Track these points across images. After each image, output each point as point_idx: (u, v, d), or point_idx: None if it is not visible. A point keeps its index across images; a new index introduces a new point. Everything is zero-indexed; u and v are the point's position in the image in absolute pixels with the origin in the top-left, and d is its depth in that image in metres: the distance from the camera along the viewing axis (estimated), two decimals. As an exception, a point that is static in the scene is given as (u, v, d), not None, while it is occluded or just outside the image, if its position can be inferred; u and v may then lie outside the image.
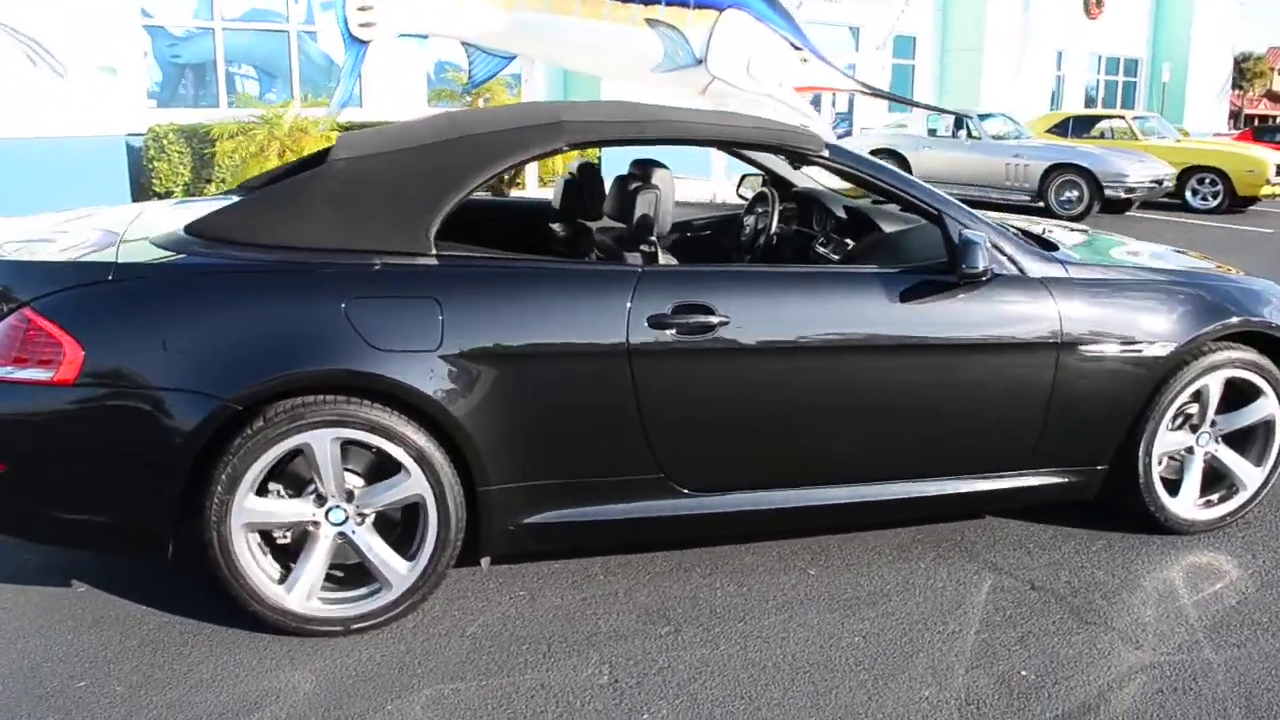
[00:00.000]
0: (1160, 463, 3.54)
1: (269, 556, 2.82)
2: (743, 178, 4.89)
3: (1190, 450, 3.51)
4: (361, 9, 10.22)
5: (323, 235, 2.80)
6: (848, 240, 3.75)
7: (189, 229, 2.87)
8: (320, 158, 3.27)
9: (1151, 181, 12.32)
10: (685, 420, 2.91)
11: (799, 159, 3.15)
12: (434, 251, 2.80)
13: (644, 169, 3.49)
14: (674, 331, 2.83)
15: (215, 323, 2.67)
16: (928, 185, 3.27)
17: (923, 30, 20.58)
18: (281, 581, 2.78)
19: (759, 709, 2.52)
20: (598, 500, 2.94)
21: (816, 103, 20.03)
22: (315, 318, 2.67)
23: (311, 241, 2.79)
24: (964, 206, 3.25)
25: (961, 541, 3.46)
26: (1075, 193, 12.24)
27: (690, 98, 10.61)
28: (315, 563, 2.79)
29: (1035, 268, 3.19)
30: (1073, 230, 4.45)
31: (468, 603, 3.02)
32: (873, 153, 13.93)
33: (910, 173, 14.08)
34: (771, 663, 2.73)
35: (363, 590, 2.85)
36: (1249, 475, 3.54)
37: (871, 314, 3.01)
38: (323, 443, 2.68)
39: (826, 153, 3.13)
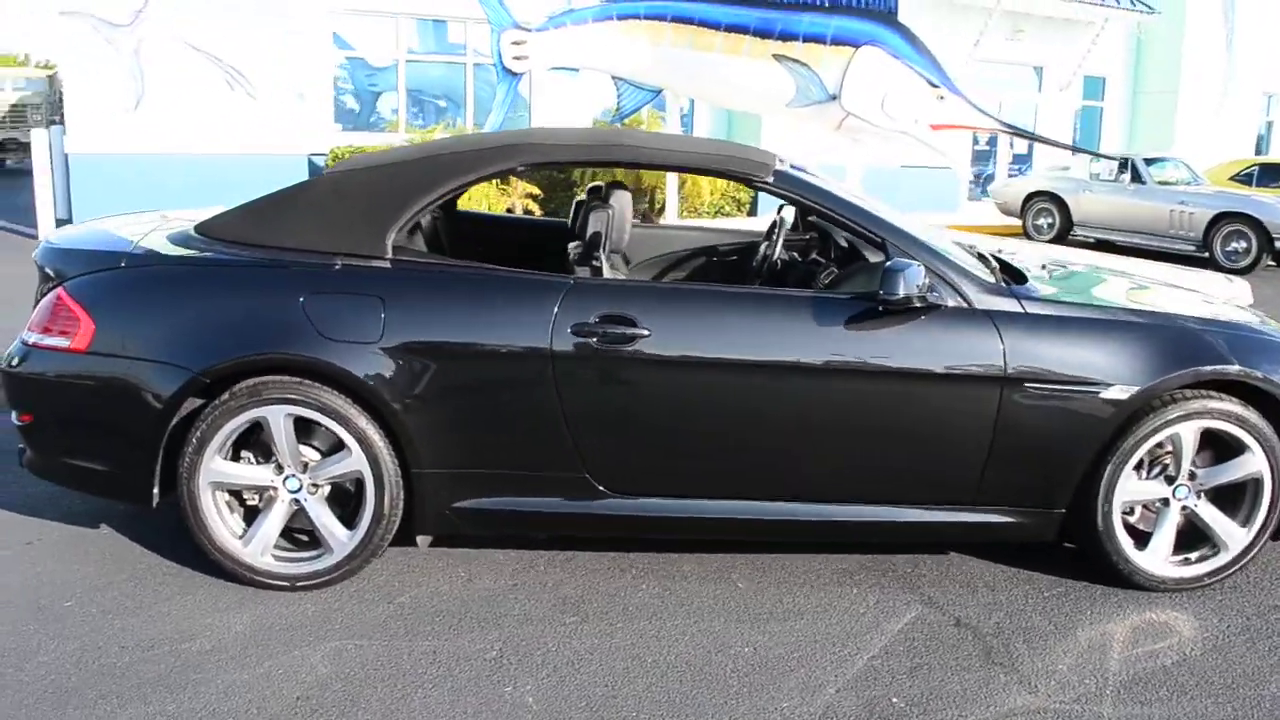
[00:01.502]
0: (1133, 512, 3.42)
1: (235, 514, 3.22)
2: (781, 205, 4.99)
3: (1165, 502, 3.36)
4: (516, 43, 10.90)
5: (301, 237, 3.19)
6: (834, 269, 3.81)
7: (198, 228, 3.33)
8: None
9: (1330, 234, 11.29)
10: (606, 424, 3.10)
11: (746, 184, 3.27)
12: (389, 256, 3.13)
13: (604, 191, 3.71)
14: (596, 340, 3.03)
15: (197, 308, 3.11)
16: (880, 214, 3.30)
17: (1114, 72, 19.59)
18: (242, 537, 3.17)
19: (615, 698, 2.67)
20: (524, 492, 3.17)
21: (992, 145, 19.55)
22: (278, 308, 3.06)
23: (291, 242, 3.19)
24: (917, 236, 3.26)
25: (909, 574, 3.46)
26: (1243, 244, 11.36)
27: (827, 132, 10.69)
28: (271, 523, 3.16)
29: (983, 300, 3.18)
30: (1071, 266, 4.25)
31: (409, 577, 3.32)
32: (1031, 195, 13.52)
33: (1070, 218, 13.51)
34: (653, 660, 2.86)
35: (310, 553, 3.20)
36: (1232, 535, 3.34)
37: (797, 336, 3.09)
38: (277, 417, 3.06)
39: (771, 179, 3.25)
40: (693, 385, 3.09)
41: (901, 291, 2.97)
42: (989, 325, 3.14)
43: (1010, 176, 16.02)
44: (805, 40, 10.16)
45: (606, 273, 3.37)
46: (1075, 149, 9.99)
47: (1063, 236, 13.47)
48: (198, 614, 3.05)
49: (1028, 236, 13.79)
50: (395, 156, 3.38)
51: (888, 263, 3.05)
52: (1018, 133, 10.76)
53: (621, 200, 3.58)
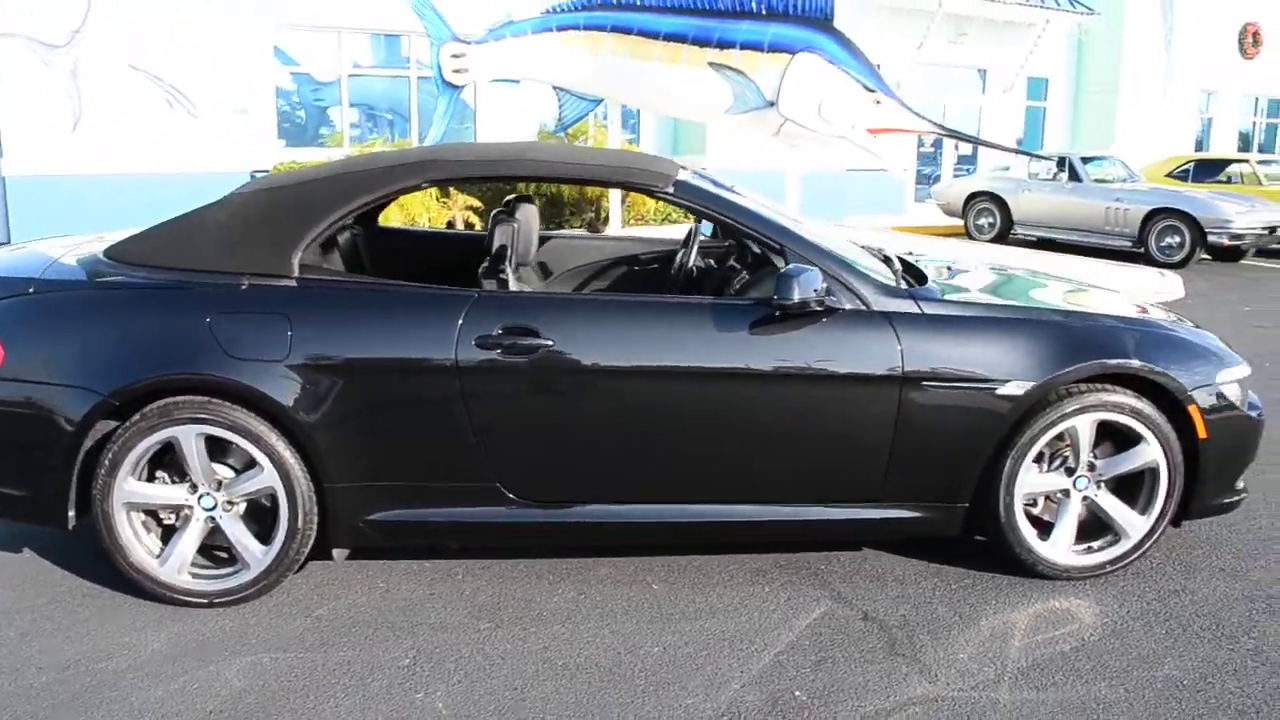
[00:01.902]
0: (1036, 504, 3.53)
1: (152, 534, 3.23)
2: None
3: (1066, 494, 3.47)
4: (455, 55, 10.93)
5: (208, 259, 3.21)
6: (746, 275, 3.90)
7: (107, 252, 3.35)
8: None
9: (1262, 228, 11.59)
10: (513, 434, 3.16)
11: (647, 194, 3.35)
12: (295, 274, 3.17)
13: (511, 206, 3.77)
14: (500, 351, 3.09)
15: (105, 331, 3.12)
16: (779, 221, 3.40)
17: (1055, 72, 19.99)
18: (159, 556, 3.19)
19: (524, 700, 2.73)
20: (436, 503, 3.22)
21: (938, 147, 19.85)
22: (184, 330, 3.08)
23: (199, 264, 3.21)
24: (815, 242, 3.35)
25: (822, 571, 3.54)
26: (1176, 239, 11.65)
27: (766, 138, 10.82)
28: (187, 541, 3.18)
29: (881, 302, 3.27)
30: (974, 268, 4.34)
31: (329, 590, 3.35)
32: (972, 196, 13.75)
33: (1010, 217, 13.77)
34: (563, 662, 2.92)
35: (227, 570, 3.22)
36: (1132, 523, 3.46)
37: (699, 342, 3.17)
38: (189, 437, 3.08)
39: (671, 189, 3.32)
40: (596, 393, 3.16)
41: (796, 296, 3.06)
42: (886, 327, 3.24)
43: (955, 178, 16.27)
44: (743, 48, 10.28)
45: (513, 285, 3.42)
46: (1007, 149, 10.22)
47: (1004, 236, 13.73)
48: (116, 633, 3.06)
49: (969, 236, 14.04)
50: (302, 176, 3.42)
51: (783, 268, 3.13)
52: (952, 135, 10.96)
53: (527, 213, 3.64)
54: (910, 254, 4.29)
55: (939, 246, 11.30)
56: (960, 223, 14.40)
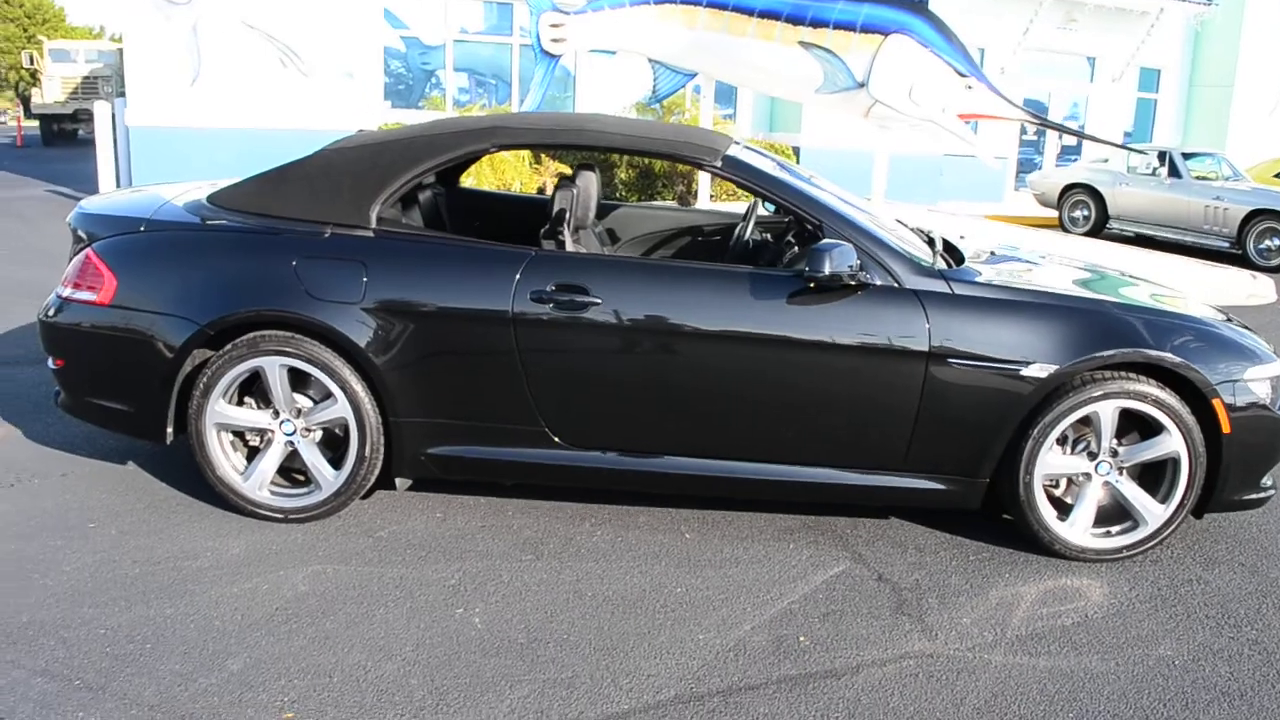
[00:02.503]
0: (1058, 485, 3.67)
1: (238, 454, 3.62)
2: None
3: (1088, 477, 3.60)
4: (554, 25, 11.22)
5: (297, 208, 3.56)
6: (797, 249, 4.09)
7: (209, 198, 3.73)
8: None
9: (1372, 234, 11.17)
10: (561, 382, 3.44)
11: (696, 167, 3.56)
12: (372, 226, 3.49)
13: (575, 172, 4.02)
14: (552, 306, 3.37)
15: (204, 269, 3.50)
16: (820, 198, 3.58)
17: (1169, 64, 19.31)
18: (243, 473, 3.57)
19: (552, 623, 3.02)
20: (489, 442, 3.52)
21: (1041, 135, 19.40)
22: (273, 270, 3.44)
23: (289, 212, 3.56)
24: (852, 219, 3.53)
25: (847, 534, 3.75)
26: (1276, 241, 11.29)
27: (855, 119, 10.85)
28: (268, 461, 3.56)
29: (913, 280, 3.44)
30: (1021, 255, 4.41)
31: (390, 515, 3.70)
32: (1068, 187, 13.51)
33: (1106, 211, 13.49)
34: (592, 594, 3.20)
35: (302, 490, 3.59)
36: (1151, 511, 3.57)
37: (737, 308, 3.39)
38: (273, 367, 3.44)
39: (719, 164, 3.54)
40: (639, 349, 3.41)
41: (827, 269, 3.25)
42: (916, 304, 3.41)
43: (1057, 168, 15.93)
44: (836, 27, 10.32)
45: (569, 246, 3.69)
46: (1103, 141, 9.99)
47: (1099, 229, 13.45)
48: (201, 538, 3.46)
49: (1064, 229, 13.79)
50: (383, 137, 3.73)
51: (817, 243, 3.33)
52: (1046, 124, 10.79)
53: (586, 180, 3.90)
54: (963, 238, 4.41)
55: (1028, 238, 11.19)
56: (1055, 214, 14.16)
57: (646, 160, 13.03)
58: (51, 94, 28.03)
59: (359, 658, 2.79)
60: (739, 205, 13.58)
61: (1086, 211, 13.61)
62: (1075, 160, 17.92)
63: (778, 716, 2.62)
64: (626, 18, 11.10)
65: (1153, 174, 12.78)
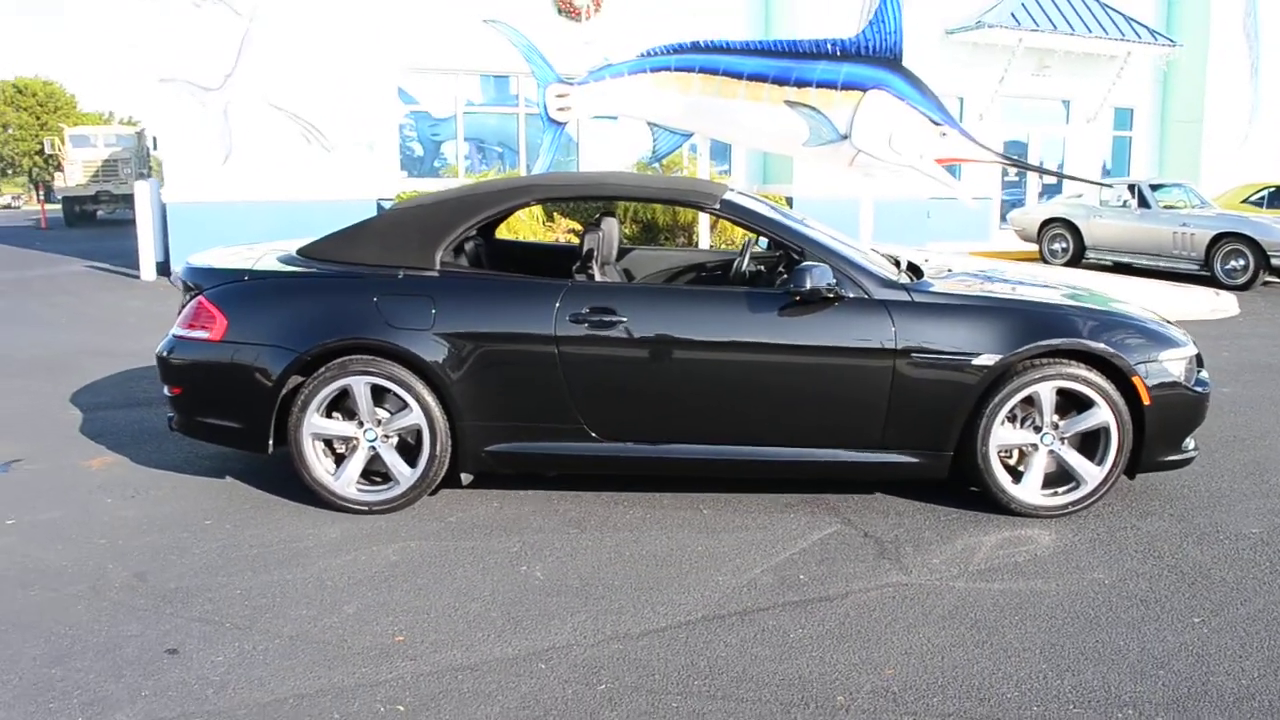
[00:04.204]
0: (1012, 455, 4.39)
1: (328, 459, 4.36)
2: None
3: (1035, 447, 4.33)
4: (559, 95, 12.18)
5: (373, 256, 4.35)
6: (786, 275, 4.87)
7: (300, 250, 4.53)
8: None
9: (1328, 252, 11.96)
10: (596, 387, 4.19)
11: (699, 210, 4.33)
12: (437, 268, 4.28)
13: (599, 218, 4.82)
14: (586, 325, 4.14)
15: (300, 307, 4.28)
16: (803, 231, 4.37)
17: (1141, 102, 20.32)
18: (333, 474, 4.31)
19: (599, 574, 3.73)
20: (538, 439, 4.26)
21: (1022, 176, 20.34)
22: (358, 306, 4.22)
23: (367, 260, 4.36)
24: (829, 246, 4.32)
25: (838, 505, 4.47)
26: (1240, 262, 12.09)
27: (841, 168, 11.73)
28: (355, 464, 4.30)
29: (879, 292, 4.21)
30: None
31: (456, 505, 4.43)
32: (1047, 222, 14.34)
33: (1083, 242, 14.31)
34: (629, 554, 3.92)
35: (382, 487, 4.32)
36: (1089, 472, 4.29)
37: (737, 321, 4.16)
38: (359, 384, 4.21)
39: (718, 205, 4.35)
40: (658, 358, 4.17)
41: (808, 285, 4.03)
42: (883, 311, 4.17)
43: (1038, 204, 16.82)
44: (819, 86, 11.25)
45: (598, 277, 4.48)
46: (1072, 177, 10.75)
47: (1077, 260, 14.28)
48: (303, 527, 4.19)
49: (1044, 260, 14.62)
50: (440, 196, 4.55)
51: (801, 264, 4.11)
52: (1016, 164, 11.64)
53: (610, 225, 4.70)
54: (926, 260, 5.20)
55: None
56: (1036, 248, 14.99)
57: (650, 215, 13.95)
58: (74, 177, 29.22)
59: (448, 600, 3.51)
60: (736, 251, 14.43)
61: (1065, 244, 14.45)
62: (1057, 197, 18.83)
63: (783, 628, 3.33)
64: (626, 86, 12.06)
65: (1124, 205, 13.65)
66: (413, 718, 2.78)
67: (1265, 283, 12.42)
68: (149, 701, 2.86)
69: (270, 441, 4.32)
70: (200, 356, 4.35)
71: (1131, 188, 13.71)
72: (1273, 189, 15.02)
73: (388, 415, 4.30)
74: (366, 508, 4.31)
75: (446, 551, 3.94)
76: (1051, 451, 4.32)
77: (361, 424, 4.28)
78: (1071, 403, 4.30)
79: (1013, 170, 20.05)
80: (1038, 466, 4.32)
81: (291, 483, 4.51)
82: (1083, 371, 4.20)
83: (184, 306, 4.52)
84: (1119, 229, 13.47)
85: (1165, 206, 13.28)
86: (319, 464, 4.30)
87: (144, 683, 2.97)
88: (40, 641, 3.22)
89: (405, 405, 4.23)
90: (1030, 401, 4.27)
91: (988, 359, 4.15)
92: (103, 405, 6.35)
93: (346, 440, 4.33)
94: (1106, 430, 4.26)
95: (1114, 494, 4.60)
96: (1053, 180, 20.14)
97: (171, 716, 2.79)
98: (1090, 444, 4.33)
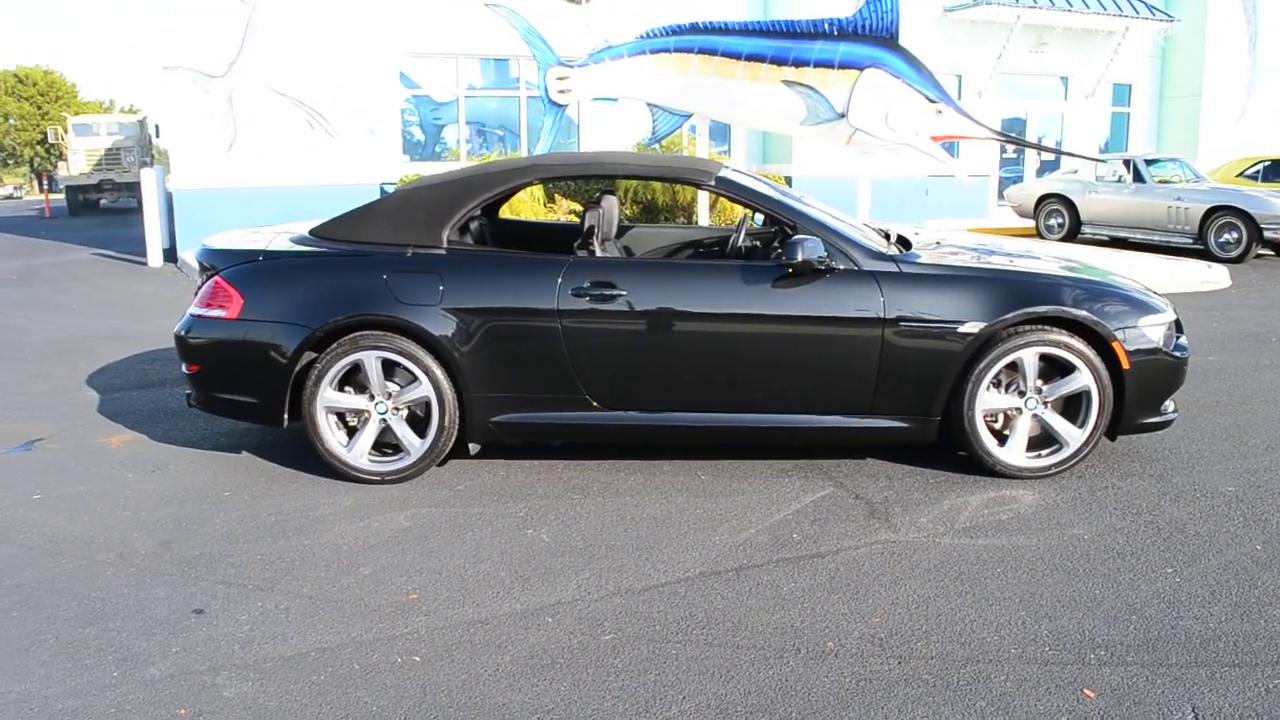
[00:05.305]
0: (998, 419, 4.56)
1: (341, 431, 4.55)
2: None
3: (1019, 411, 4.50)
4: (560, 78, 12.31)
5: (382, 235, 4.52)
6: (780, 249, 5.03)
7: (312, 231, 4.70)
8: None
9: (1320, 224, 12.08)
10: (597, 359, 4.36)
11: (695, 186, 4.50)
12: (444, 246, 4.45)
13: (599, 197, 4.98)
14: (588, 299, 4.31)
15: (313, 284, 4.46)
16: (795, 206, 4.54)
17: (1139, 78, 20.38)
18: (346, 446, 4.50)
19: (602, 536, 3.92)
20: (542, 409, 4.45)
21: (1020, 153, 20.43)
22: (369, 283, 4.39)
23: (377, 239, 4.53)
24: (820, 220, 4.48)
25: (832, 470, 4.65)
26: (1234, 235, 12.23)
27: (838, 147, 11.87)
28: (367, 435, 4.48)
29: (868, 264, 4.38)
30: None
31: (465, 474, 4.62)
32: (1043, 198, 14.46)
33: (1078, 217, 14.44)
34: (631, 517, 4.11)
35: (393, 457, 4.51)
36: (1071, 435, 4.46)
37: (732, 293, 4.33)
38: (370, 359, 4.39)
39: (713, 182, 4.51)
40: (657, 329, 4.34)
41: (799, 257, 4.19)
42: (872, 282, 4.34)
43: (1036, 180, 16.94)
44: (816, 65, 11.37)
45: (599, 253, 4.64)
46: (1064, 153, 10.88)
47: (1073, 235, 14.41)
48: (318, 496, 4.38)
49: (1041, 236, 14.75)
50: (445, 177, 4.72)
51: (794, 238, 4.27)
52: (1011, 140, 11.76)
53: (610, 203, 4.87)
54: (916, 233, 5.36)
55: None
56: (1033, 224, 15.12)
57: (650, 196, 14.10)
58: (77, 166, 29.36)
59: (459, 562, 3.71)
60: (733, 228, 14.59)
61: (1061, 219, 14.58)
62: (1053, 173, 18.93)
63: (776, 582, 3.52)
64: (625, 68, 12.17)
65: (1119, 181, 13.77)
66: (428, 667, 2.97)
67: (1258, 255, 12.55)
68: (179, 657, 3.06)
69: (285, 416, 4.51)
70: (217, 335, 4.53)
71: (1127, 163, 13.82)
72: (1268, 163, 15.12)
73: (398, 388, 4.48)
74: (378, 478, 4.49)
75: (456, 517, 4.13)
76: (1035, 415, 4.49)
77: (373, 397, 4.46)
78: (1054, 368, 4.47)
79: (1010, 147, 20.15)
80: (1022, 430, 4.50)
81: (306, 456, 4.70)
82: (1064, 338, 4.37)
83: (200, 287, 4.70)
84: (1114, 204, 13.60)
85: (1160, 181, 13.41)
86: (332, 436, 4.48)
87: (173, 640, 3.16)
88: (73, 604, 3.41)
89: (415, 379, 4.40)
90: (1014, 367, 4.43)
91: (973, 326, 4.32)
92: (118, 386, 6.55)
93: (358, 413, 4.51)
94: (1088, 394, 4.43)
95: (1096, 455, 4.77)
96: (1050, 157, 20.27)
97: (202, 669, 2.98)
98: (1072, 407, 4.50)
